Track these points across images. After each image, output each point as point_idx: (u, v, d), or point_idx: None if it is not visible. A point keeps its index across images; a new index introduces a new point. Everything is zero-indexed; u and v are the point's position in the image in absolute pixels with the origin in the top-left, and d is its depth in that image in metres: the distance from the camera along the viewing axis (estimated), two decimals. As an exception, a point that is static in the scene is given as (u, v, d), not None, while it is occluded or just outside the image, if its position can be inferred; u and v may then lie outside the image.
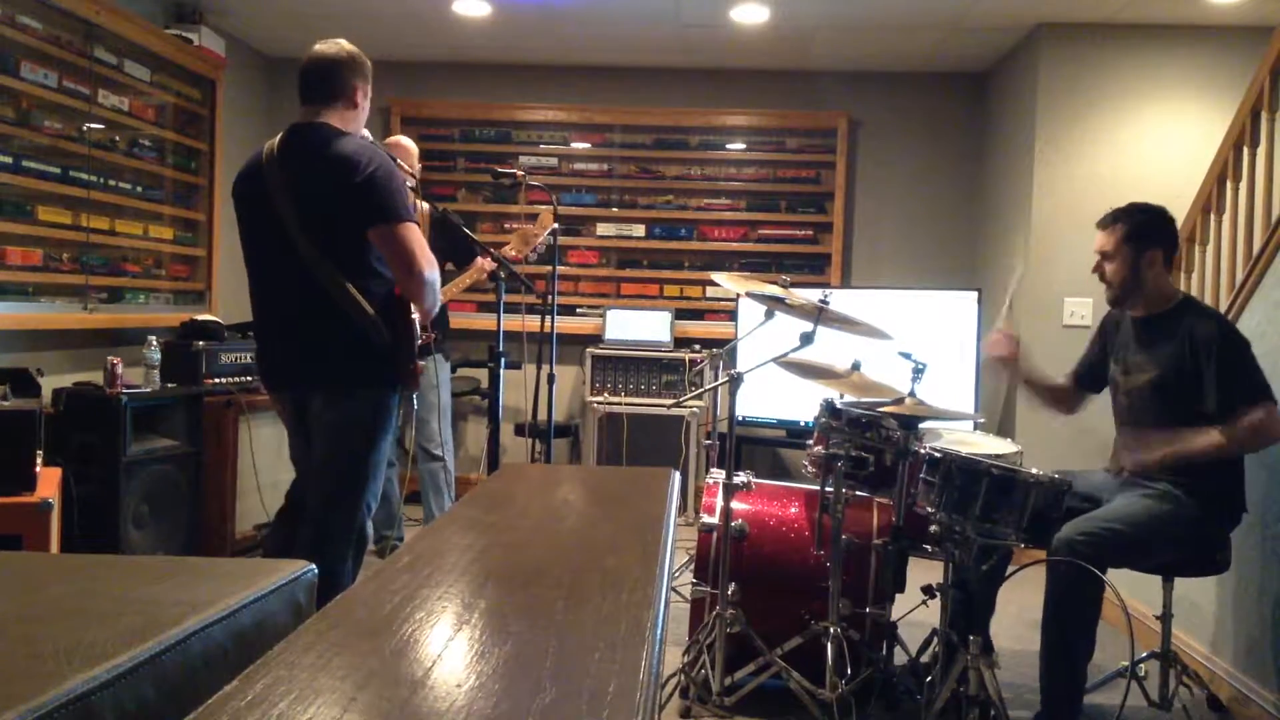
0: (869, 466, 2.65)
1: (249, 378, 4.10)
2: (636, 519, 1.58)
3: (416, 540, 1.38)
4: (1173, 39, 4.56)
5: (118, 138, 4.16)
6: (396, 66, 5.52)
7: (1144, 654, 2.80)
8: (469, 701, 0.81)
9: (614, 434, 5.09)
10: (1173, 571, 2.75)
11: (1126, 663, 2.66)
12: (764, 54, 5.28)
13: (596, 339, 5.33)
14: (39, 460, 2.80)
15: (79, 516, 3.32)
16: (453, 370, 4.51)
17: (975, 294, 4.47)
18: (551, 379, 3.78)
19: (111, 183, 4.10)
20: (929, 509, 2.45)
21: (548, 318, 3.70)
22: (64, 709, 0.93)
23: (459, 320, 4.81)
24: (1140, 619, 3.11)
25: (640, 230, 5.68)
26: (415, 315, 2.53)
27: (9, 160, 3.52)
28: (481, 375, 5.21)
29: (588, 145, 5.71)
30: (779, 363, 2.72)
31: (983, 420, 3.61)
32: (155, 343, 3.82)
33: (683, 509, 4.80)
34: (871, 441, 2.64)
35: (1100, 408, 3.00)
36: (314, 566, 1.52)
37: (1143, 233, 2.73)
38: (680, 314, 5.49)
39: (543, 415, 3.80)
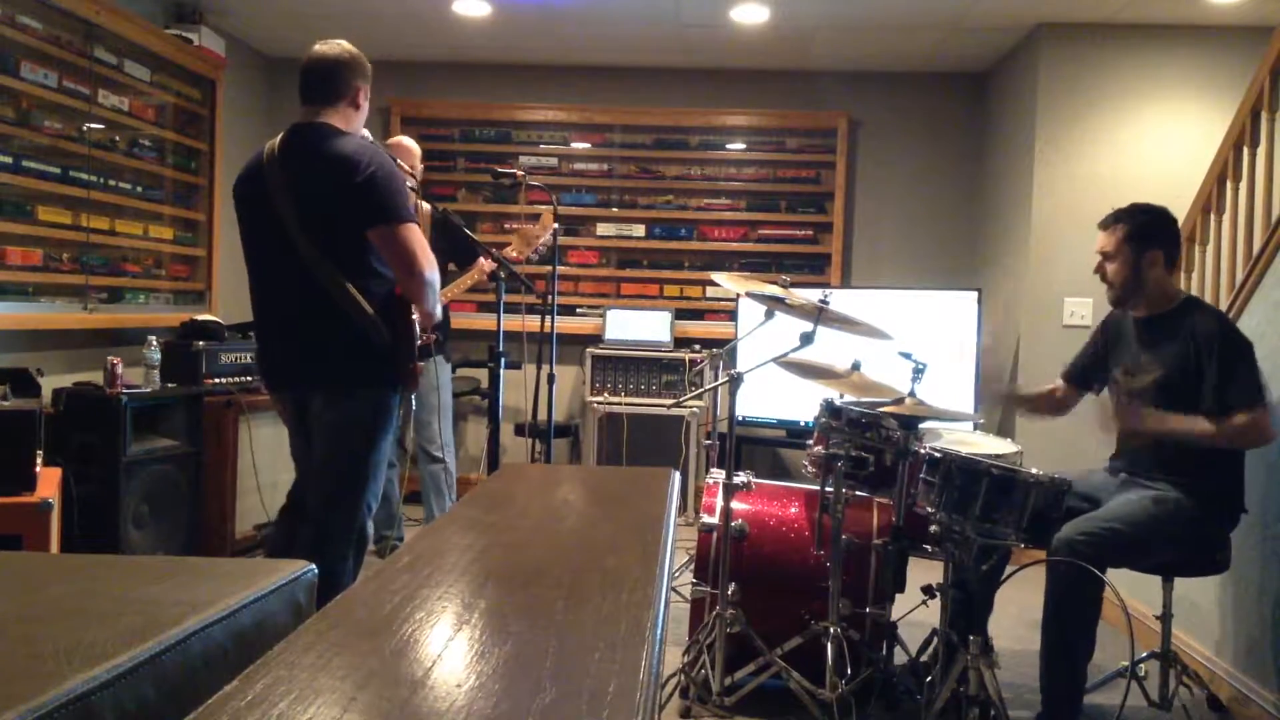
0: (869, 466, 2.65)
1: (249, 378, 4.10)
2: (636, 519, 1.58)
3: (416, 540, 1.38)
4: (1173, 39, 4.56)
5: (118, 138, 4.17)
6: (396, 66, 5.52)
7: (1144, 654, 2.80)
8: (469, 701, 0.81)
9: (614, 434, 5.09)
10: (1172, 571, 2.75)
11: (1126, 663, 2.66)
12: (764, 54, 5.28)
13: (596, 339, 5.33)
14: (39, 460, 2.80)
15: (79, 516, 3.32)
16: (453, 371, 4.51)
17: (975, 294, 4.47)
18: (551, 379, 3.78)
19: (111, 183, 4.10)
20: (929, 509, 2.45)
21: (548, 318, 3.70)
22: (64, 709, 0.93)
23: (459, 320, 4.81)
24: (1140, 619, 3.11)
25: (640, 230, 5.68)
26: (415, 316, 2.54)
27: (9, 160, 3.52)
28: (481, 375, 5.21)
29: (588, 145, 5.71)
30: (779, 363, 2.72)
31: (982, 420, 3.61)
32: (155, 343, 3.82)
33: (683, 509, 4.80)
34: (871, 441, 2.64)
35: (1100, 408, 2.99)
36: (314, 566, 1.52)
37: (1144, 233, 2.72)
38: (680, 314, 5.49)
39: (543, 415, 3.80)
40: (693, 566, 2.92)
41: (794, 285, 2.70)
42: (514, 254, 3.78)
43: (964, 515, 2.37)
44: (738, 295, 4.24)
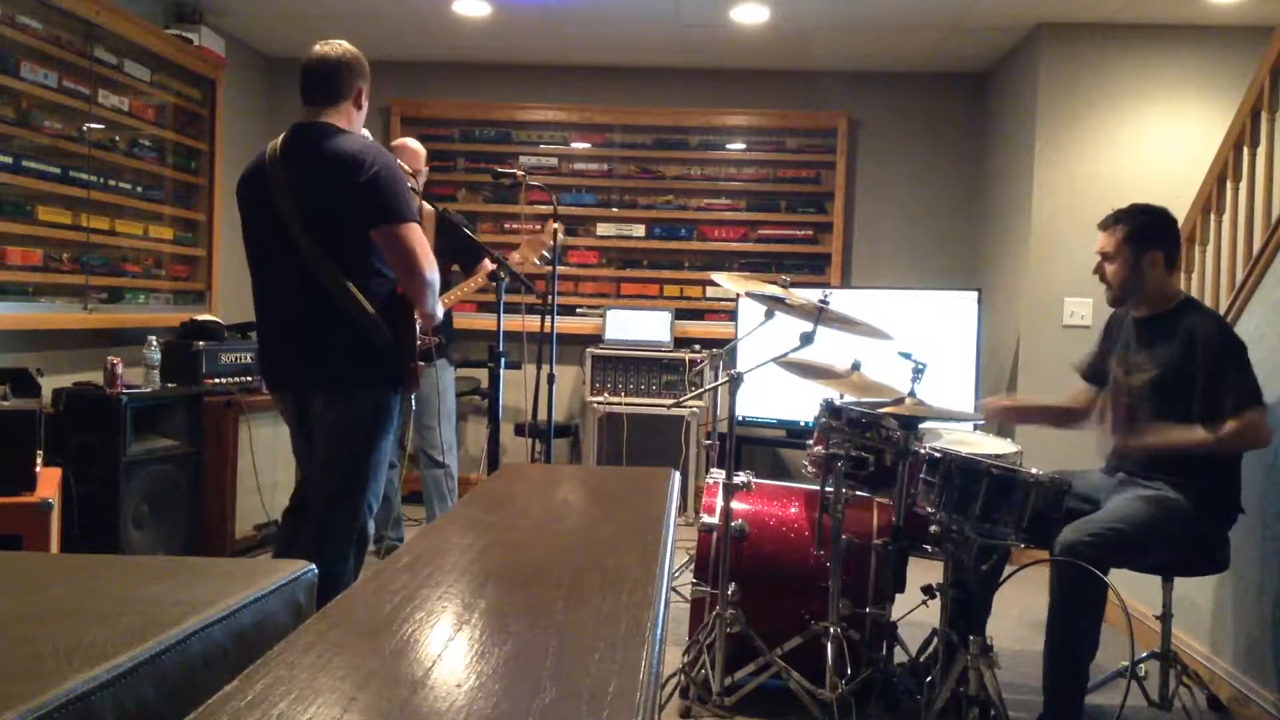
0: (869, 466, 2.65)
1: (249, 378, 4.10)
2: (636, 519, 1.58)
3: (416, 540, 1.38)
4: (1173, 39, 4.56)
5: (118, 138, 4.17)
6: (396, 66, 5.52)
7: (1144, 654, 2.80)
8: (469, 701, 0.81)
9: (614, 434, 5.09)
10: (1172, 571, 2.75)
11: (1126, 663, 2.66)
12: (764, 54, 5.28)
13: (596, 339, 5.33)
14: (39, 460, 2.80)
15: (79, 516, 3.32)
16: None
17: (975, 294, 4.47)
18: (551, 379, 3.78)
19: (111, 183, 4.10)
20: (929, 509, 2.45)
21: (548, 318, 3.70)
22: (64, 709, 0.93)
23: (459, 320, 4.81)
24: (1140, 619, 3.11)
25: (640, 230, 5.68)
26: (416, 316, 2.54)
27: (9, 160, 3.52)
28: (481, 375, 5.21)
29: (588, 145, 5.71)
30: (779, 363, 2.72)
31: (982, 420, 3.61)
32: (155, 343, 3.83)
33: (683, 509, 4.80)
34: (871, 441, 2.64)
35: (1100, 408, 2.99)
36: (314, 566, 1.52)
37: (1144, 234, 2.72)
38: (680, 314, 5.49)
39: (543, 415, 3.80)
40: (693, 566, 2.92)
41: (794, 285, 2.70)
42: (516, 258, 3.77)
43: (964, 515, 2.37)
44: (738, 295, 4.24)
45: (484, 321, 5.21)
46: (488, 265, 3.86)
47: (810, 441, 2.81)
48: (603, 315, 5.36)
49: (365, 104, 2.61)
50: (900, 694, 2.72)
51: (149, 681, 1.06)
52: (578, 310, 5.63)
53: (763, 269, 5.52)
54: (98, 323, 4.02)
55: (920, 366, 2.65)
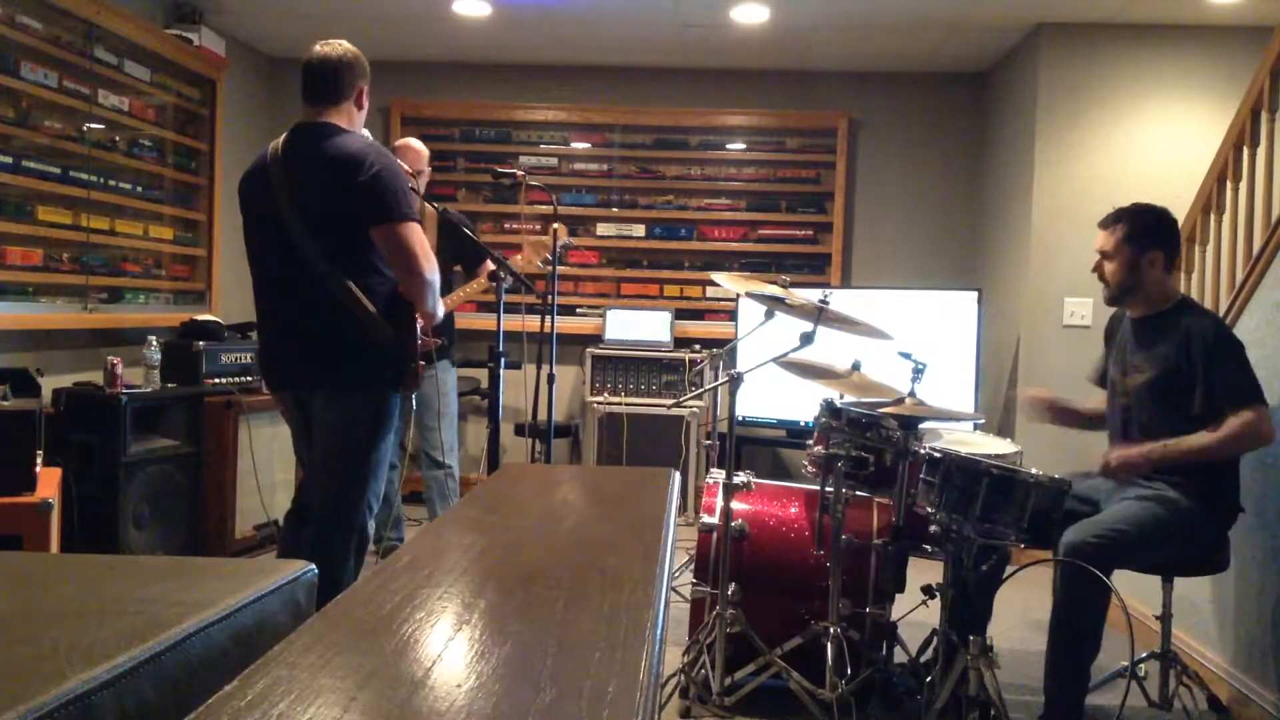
0: (869, 466, 2.65)
1: (249, 378, 4.10)
2: (636, 519, 1.58)
3: (416, 540, 1.38)
4: (1173, 39, 4.56)
5: (118, 138, 4.17)
6: (396, 66, 5.52)
7: (1144, 654, 2.80)
8: (469, 701, 0.81)
9: (614, 434, 5.09)
10: (1172, 571, 2.75)
11: (1126, 663, 2.66)
12: (764, 54, 5.28)
13: (596, 339, 5.33)
14: (39, 460, 2.80)
15: (79, 516, 3.32)
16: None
17: (975, 294, 4.46)
18: (551, 379, 3.78)
19: (111, 183, 4.10)
20: (929, 509, 2.45)
21: (548, 318, 3.70)
22: (64, 709, 0.93)
23: (459, 321, 4.81)
24: (1140, 619, 3.11)
25: (640, 230, 5.68)
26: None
27: (9, 160, 3.52)
28: (481, 375, 5.21)
29: (588, 145, 5.71)
30: (779, 363, 2.72)
31: (982, 420, 3.61)
32: (155, 343, 3.83)
33: (683, 509, 4.80)
34: (871, 441, 2.64)
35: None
36: (314, 566, 1.52)
37: (1144, 233, 2.72)
38: (680, 314, 5.49)
39: (543, 415, 3.80)
40: (693, 566, 2.91)
41: (794, 285, 2.70)
42: (520, 261, 3.76)
43: (964, 515, 2.36)
44: (738, 295, 4.23)
45: (484, 321, 5.21)
46: (490, 266, 3.86)
47: (810, 441, 2.81)
48: (603, 315, 5.36)
49: (366, 104, 2.61)
50: (900, 694, 2.72)
51: (149, 681, 1.06)
52: (578, 310, 5.63)
53: (763, 269, 5.51)
54: (98, 323, 4.02)
55: (920, 366, 2.65)
